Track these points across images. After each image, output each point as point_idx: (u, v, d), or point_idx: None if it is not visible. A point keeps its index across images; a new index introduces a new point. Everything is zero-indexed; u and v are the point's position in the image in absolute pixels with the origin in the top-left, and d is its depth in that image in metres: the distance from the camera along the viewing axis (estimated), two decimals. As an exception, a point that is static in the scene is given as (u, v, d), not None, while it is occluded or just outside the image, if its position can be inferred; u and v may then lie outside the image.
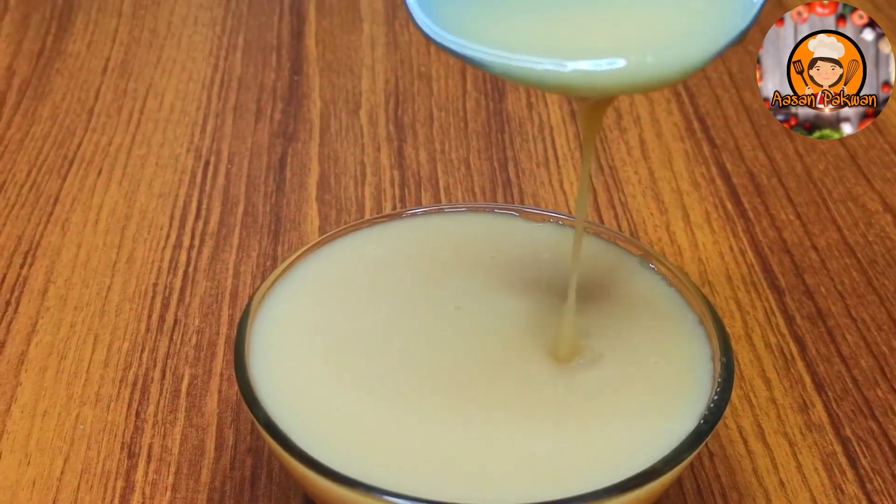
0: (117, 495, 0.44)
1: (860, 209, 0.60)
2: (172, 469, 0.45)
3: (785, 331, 0.52)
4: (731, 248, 0.57)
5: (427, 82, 0.70)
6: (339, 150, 0.64)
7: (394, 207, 0.59)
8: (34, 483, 0.44)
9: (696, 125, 0.67)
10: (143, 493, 0.44)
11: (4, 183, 0.60)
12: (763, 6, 0.36)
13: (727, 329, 0.43)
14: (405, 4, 0.38)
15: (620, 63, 0.35)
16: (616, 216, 0.59)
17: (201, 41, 0.74)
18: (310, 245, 0.46)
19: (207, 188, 0.60)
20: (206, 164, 0.62)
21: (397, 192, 0.60)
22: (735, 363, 0.42)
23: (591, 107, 0.40)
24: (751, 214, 0.60)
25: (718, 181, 0.62)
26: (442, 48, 0.37)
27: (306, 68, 0.72)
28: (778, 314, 0.53)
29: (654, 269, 0.46)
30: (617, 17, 0.37)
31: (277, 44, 0.74)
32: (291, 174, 0.62)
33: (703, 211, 0.60)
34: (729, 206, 0.60)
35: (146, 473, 0.45)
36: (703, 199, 0.61)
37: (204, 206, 0.59)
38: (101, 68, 0.71)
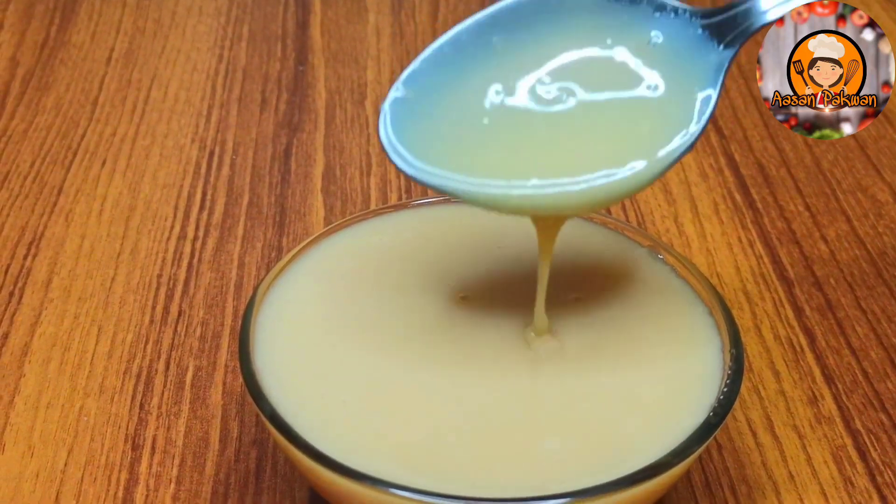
0: (121, 487, 0.44)
1: (870, 200, 0.60)
2: (176, 461, 0.45)
3: (794, 322, 0.52)
4: (740, 240, 0.57)
5: (433, 72, 0.69)
6: (344, 141, 0.63)
7: (399, 198, 0.59)
8: (38, 475, 0.44)
9: (704, 115, 0.66)
10: (147, 486, 0.44)
11: (8, 173, 0.60)
12: (713, 113, 0.38)
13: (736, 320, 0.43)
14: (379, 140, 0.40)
15: (579, 186, 0.38)
16: (623, 207, 0.59)
17: (206, 31, 0.74)
18: (315, 236, 0.46)
19: (212, 179, 0.60)
20: (211, 154, 0.62)
21: (403, 182, 0.60)
22: (744, 355, 0.42)
23: (550, 225, 0.41)
24: (759, 205, 0.59)
25: (727, 172, 0.62)
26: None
27: (311, 58, 0.71)
28: (787, 306, 0.53)
29: (662, 259, 0.46)
30: (576, 141, 0.39)
31: (282, 34, 0.74)
32: (296, 165, 0.61)
33: (711, 202, 0.59)
34: (737, 197, 0.60)
35: (150, 465, 0.44)
36: (711, 190, 0.60)
37: (208, 196, 0.59)
38: (105, 58, 0.71)
